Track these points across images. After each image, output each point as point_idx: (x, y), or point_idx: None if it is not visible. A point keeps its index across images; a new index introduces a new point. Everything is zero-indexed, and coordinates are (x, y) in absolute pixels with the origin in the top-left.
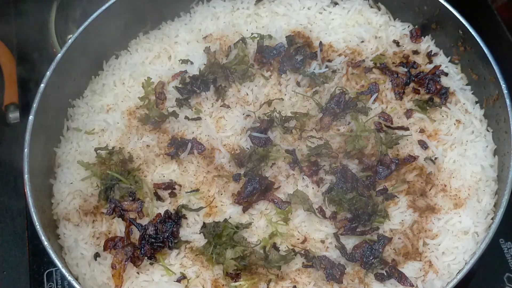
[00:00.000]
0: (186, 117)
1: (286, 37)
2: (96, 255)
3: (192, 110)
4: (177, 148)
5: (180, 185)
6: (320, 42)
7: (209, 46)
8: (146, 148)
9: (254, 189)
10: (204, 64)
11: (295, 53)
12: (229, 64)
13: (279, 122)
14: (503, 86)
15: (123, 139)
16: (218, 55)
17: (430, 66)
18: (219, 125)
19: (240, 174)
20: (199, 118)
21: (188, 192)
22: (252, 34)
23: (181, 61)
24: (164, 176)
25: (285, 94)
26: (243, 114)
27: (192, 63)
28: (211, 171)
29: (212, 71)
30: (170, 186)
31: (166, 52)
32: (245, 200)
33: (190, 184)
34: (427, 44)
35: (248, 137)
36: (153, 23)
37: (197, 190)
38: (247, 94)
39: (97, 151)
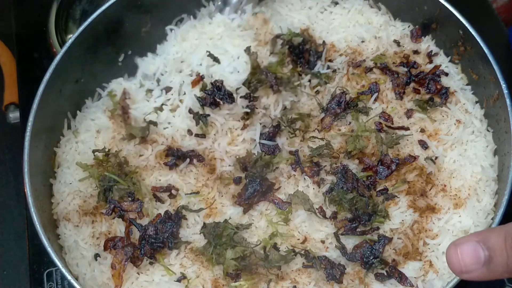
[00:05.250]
0: (189, 131)
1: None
2: (97, 255)
3: (201, 129)
4: (176, 159)
5: (177, 189)
6: (323, 42)
7: (250, 46)
8: (139, 157)
9: (255, 191)
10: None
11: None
12: (270, 68)
13: (286, 124)
14: (503, 86)
15: (117, 142)
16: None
17: (430, 66)
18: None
19: (241, 177)
20: (203, 136)
21: (188, 194)
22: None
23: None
24: (160, 180)
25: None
26: (260, 124)
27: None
28: (211, 179)
29: (258, 78)
30: (169, 190)
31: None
32: (245, 202)
33: (191, 186)
34: (427, 44)
35: (258, 143)
36: (153, 23)
37: (197, 192)
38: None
39: (95, 153)
